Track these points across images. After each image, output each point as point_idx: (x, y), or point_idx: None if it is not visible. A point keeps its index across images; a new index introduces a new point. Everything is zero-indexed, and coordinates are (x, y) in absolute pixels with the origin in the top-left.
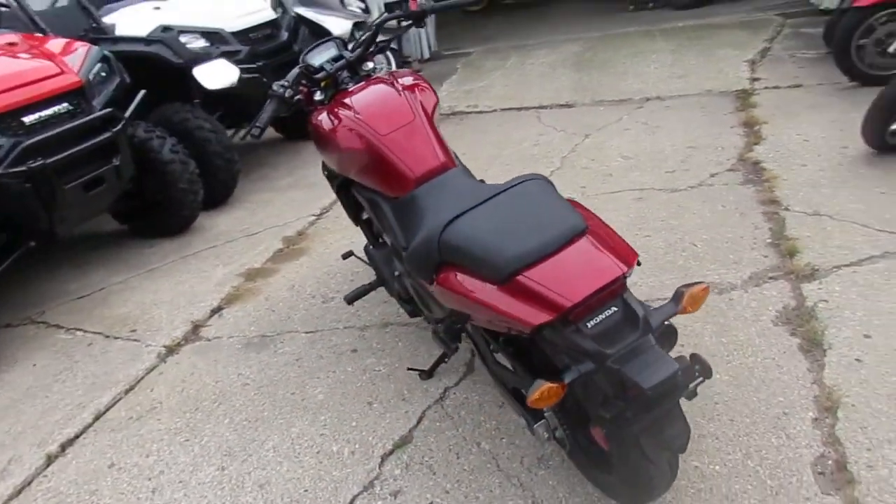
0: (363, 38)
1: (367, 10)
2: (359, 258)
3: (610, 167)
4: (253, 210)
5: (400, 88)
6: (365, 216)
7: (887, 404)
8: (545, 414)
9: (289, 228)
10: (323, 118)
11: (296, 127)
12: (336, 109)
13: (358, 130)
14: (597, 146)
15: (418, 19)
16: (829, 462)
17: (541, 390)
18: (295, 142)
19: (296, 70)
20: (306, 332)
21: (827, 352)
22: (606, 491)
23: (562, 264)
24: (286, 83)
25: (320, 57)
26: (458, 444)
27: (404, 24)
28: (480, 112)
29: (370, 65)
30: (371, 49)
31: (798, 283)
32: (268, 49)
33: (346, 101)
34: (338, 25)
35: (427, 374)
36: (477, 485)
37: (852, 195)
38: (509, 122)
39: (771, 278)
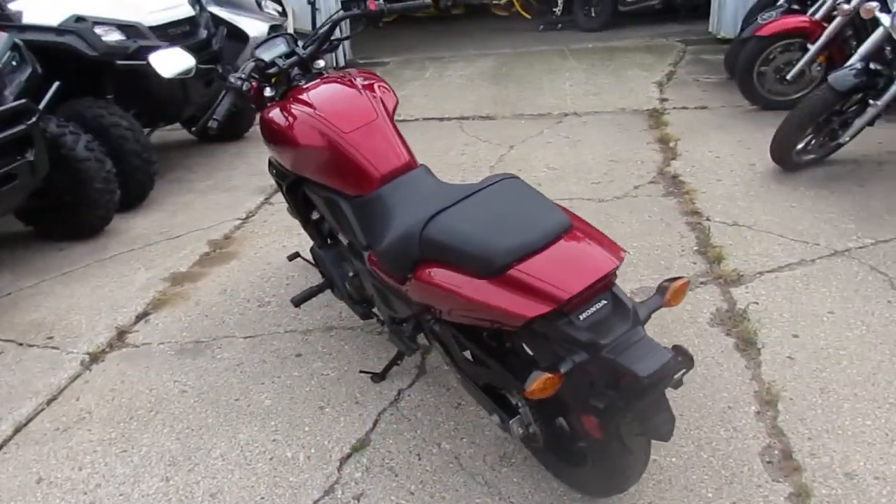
0: (317, 35)
1: (283, 14)
2: (305, 260)
3: (538, 177)
4: (172, 213)
5: (360, 87)
6: (315, 216)
7: (821, 397)
8: (519, 409)
9: (214, 232)
10: (276, 115)
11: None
12: (291, 106)
13: (319, 128)
14: (522, 157)
15: (376, 19)
16: (776, 451)
17: (540, 380)
18: (210, 143)
19: (251, 63)
20: (245, 338)
21: (761, 350)
22: (574, 485)
23: (554, 258)
24: (243, 76)
25: (271, 52)
26: (417, 446)
27: (361, 23)
28: (403, 121)
29: (321, 63)
30: (324, 47)
31: (727, 288)
32: (187, 46)
33: (303, 97)
34: (253, 27)
35: (380, 377)
36: (441, 485)
37: (765, 208)
38: (432, 132)
39: (702, 283)
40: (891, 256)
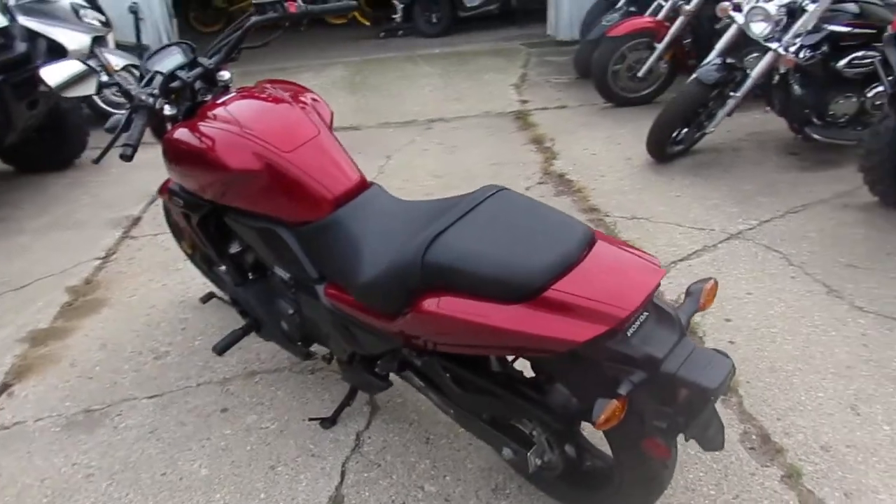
0: (225, 43)
1: (107, 24)
2: (222, 300)
3: (426, 186)
4: (7, 257)
5: (289, 99)
6: (235, 249)
7: (772, 377)
8: (534, 438)
9: (70, 277)
10: (187, 136)
11: (29, 156)
12: (207, 124)
13: (251, 148)
14: (403, 167)
15: (296, 23)
16: (754, 437)
17: (609, 408)
18: (34, 174)
19: (160, 77)
20: (149, 398)
21: (703, 338)
22: None
23: (593, 273)
24: (154, 91)
25: (166, 63)
26: (399, 494)
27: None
28: None
29: (226, 74)
30: (232, 56)
31: None
32: (3, 62)
33: (222, 114)
34: (73, 40)
35: (331, 422)
36: None
37: (655, 199)
38: None
39: None
40: (778, 235)
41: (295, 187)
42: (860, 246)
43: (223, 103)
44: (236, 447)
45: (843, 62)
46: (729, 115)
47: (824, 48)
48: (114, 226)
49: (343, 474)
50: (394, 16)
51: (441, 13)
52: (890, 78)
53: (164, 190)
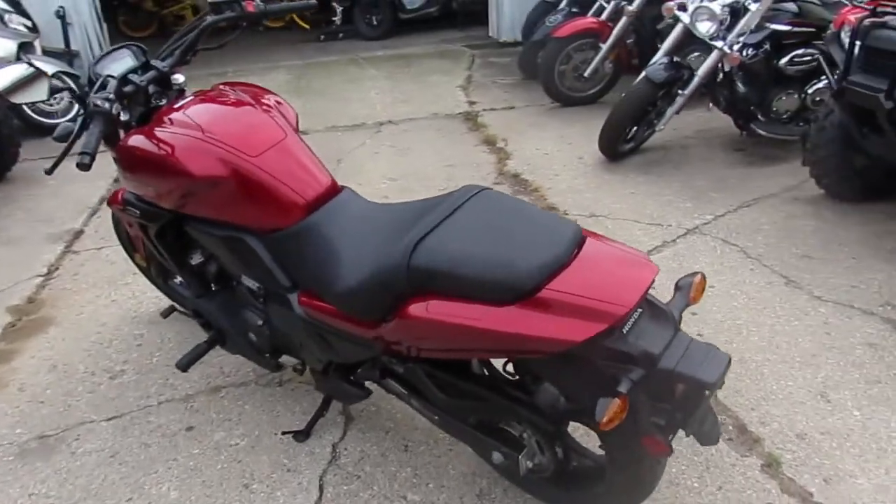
0: (179, 44)
1: (34, 29)
2: (183, 313)
3: (382, 189)
4: None
5: (251, 101)
6: (196, 260)
7: (742, 367)
8: (524, 441)
9: (10, 296)
10: (143, 143)
11: None
12: (165, 130)
13: (214, 153)
14: (357, 170)
15: (255, 23)
16: (731, 427)
17: (613, 407)
18: None
19: (114, 81)
20: (107, 420)
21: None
22: None
23: (587, 271)
24: (111, 96)
25: (117, 67)
26: None
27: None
28: None
29: (181, 78)
30: (187, 59)
31: None
32: None
33: (180, 118)
34: None
35: (304, 435)
36: None
37: (611, 197)
38: None
39: None
40: (733, 228)
41: (263, 193)
42: (812, 237)
43: (181, 107)
44: (206, 466)
45: (784, 60)
46: (677, 112)
47: (766, 47)
48: (54, 240)
49: (321, 488)
50: (333, 18)
51: (382, 16)
52: (835, 75)
53: (115, 200)
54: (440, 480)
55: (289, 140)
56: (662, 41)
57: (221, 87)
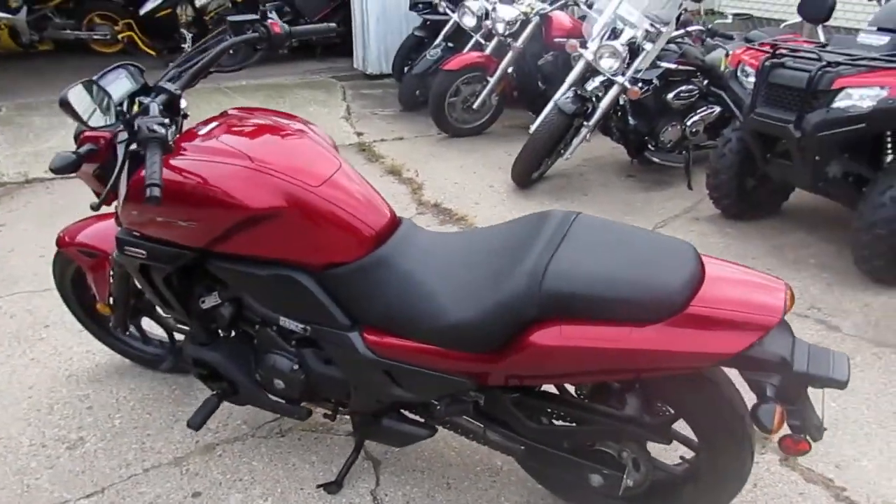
0: (189, 65)
1: None
2: (184, 364)
3: None
4: None
5: (293, 128)
6: (211, 304)
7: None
8: (623, 459)
9: None
10: (174, 174)
11: None
12: (200, 160)
13: (273, 184)
14: None
15: (278, 45)
16: None
17: (778, 414)
18: None
19: (156, 105)
20: (87, 497)
21: None
22: None
23: (722, 286)
24: (165, 121)
25: (115, 89)
26: None
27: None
28: (69, 178)
29: (184, 102)
30: (198, 79)
31: None
32: None
33: (217, 146)
34: None
35: (337, 485)
36: None
37: None
38: None
39: None
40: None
41: (327, 227)
42: (726, 252)
43: (208, 134)
44: None
45: (671, 95)
46: (582, 141)
47: (656, 82)
48: None
49: None
50: (182, 45)
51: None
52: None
53: (66, 243)
54: None
55: (345, 168)
56: (543, 76)
57: (236, 113)
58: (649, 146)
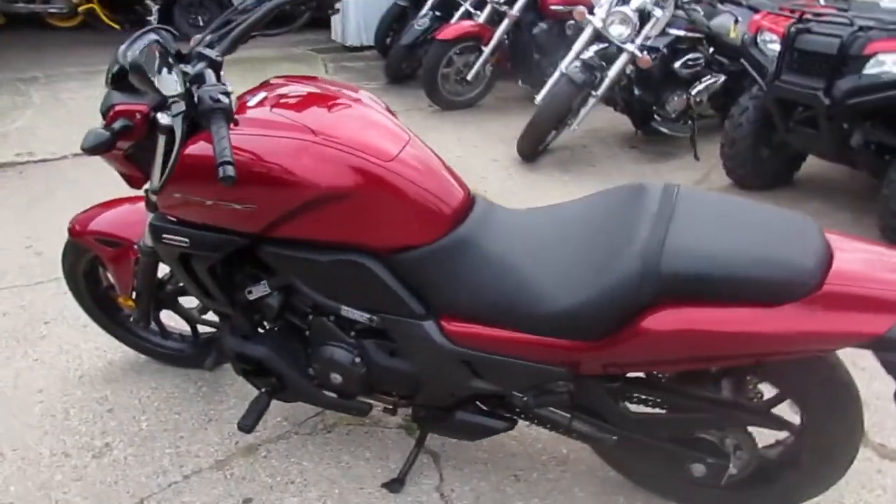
0: (228, 28)
1: None
2: (222, 360)
3: None
4: None
5: (352, 97)
6: (258, 294)
7: None
8: (725, 447)
9: None
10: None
11: None
12: (255, 135)
13: (342, 159)
14: None
15: (328, 6)
16: None
17: None
18: None
19: (211, 72)
20: None
21: None
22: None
23: (854, 261)
24: (228, 89)
25: (152, 57)
26: None
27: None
28: (43, 161)
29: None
30: (236, 47)
31: None
32: None
33: (272, 118)
34: None
35: (400, 483)
36: None
37: (550, 195)
38: (86, 174)
39: None
40: None
41: (401, 206)
42: None
43: (259, 105)
44: None
45: (678, 63)
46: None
47: (664, 50)
48: None
49: None
50: (148, 17)
51: (209, 16)
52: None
53: (81, 232)
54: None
55: (414, 140)
56: (537, 46)
57: (281, 79)
58: (655, 116)
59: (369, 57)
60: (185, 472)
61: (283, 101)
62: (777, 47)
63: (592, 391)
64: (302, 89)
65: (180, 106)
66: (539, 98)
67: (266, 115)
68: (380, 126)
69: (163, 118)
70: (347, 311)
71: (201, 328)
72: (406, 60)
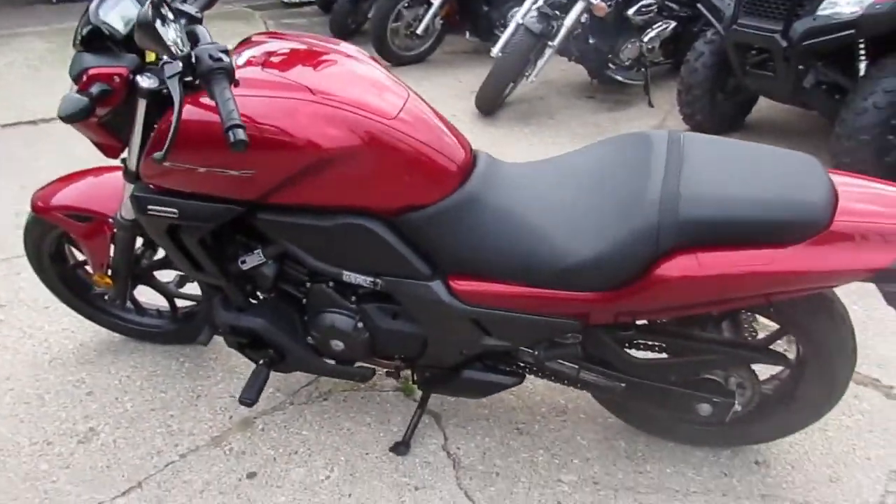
0: None
1: None
2: (217, 333)
3: None
4: None
5: (343, 51)
6: (252, 263)
7: None
8: (730, 385)
9: None
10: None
11: None
12: (248, 95)
13: (344, 119)
14: None
15: None
16: None
17: None
18: None
19: (204, 29)
20: (122, 495)
21: None
22: (778, 432)
23: (855, 198)
24: (226, 47)
25: (122, 13)
26: (542, 495)
27: None
28: None
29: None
30: (214, 2)
31: None
32: None
33: (265, 77)
34: None
35: (405, 446)
36: None
37: (515, 150)
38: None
39: None
40: None
41: (406, 165)
42: None
43: (249, 64)
44: None
45: (632, 10)
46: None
47: None
48: None
49: (468, 495)
50: None
51: None
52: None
53: (46, 208)
54: (581, 453)
55: (413, 97)
56: None
57: (263, 35)
58: (609, 65)
59: (310, 13)
60: (181, 451)
61: (273, 59)
62: None
63: (601, 341)
64: (290, 46)
65: (176, 66)
66: (495, 50)
67: (259, 76)
68: (378, 83)
69: (143, 81)
70: (349, 276)
71: (179, 302)
72: (351, 15)
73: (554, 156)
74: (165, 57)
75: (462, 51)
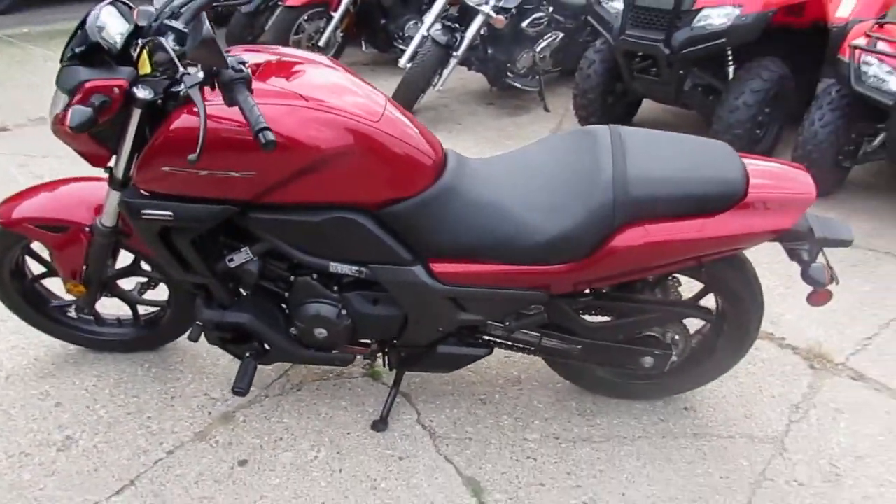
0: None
1: None
2: (206, 331)
3: None
4: None
5: (323, 62)
6: (240, 261)
7: None
8: (667, 338)
9: None
10: (223, 122)
11: None
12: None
13: (336, 122)
14: None
15: None
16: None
17: (826, 269)
18: None
19: (207, 36)
20: (116, 495)
21: None
22: (705, 379)
23: (761, 173)
24: (244, 57)
25: (113, 28)
26: (514, 453)
27: None
28: None
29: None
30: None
31: None
32: None
33: (258, 86)
34: None
35: (383, 423)
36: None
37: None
38: None
39: None
40: None
41: (392, 162)
42: None
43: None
44: (308, 490)
45: (525, 22)
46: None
47: (514, 11)
48: None
49: (448, 459)
50: None
51: None
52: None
53: (13, 220)
54: (539, 413)
55: (391, 101)
56: (383, 11)
57: (242, 49)
58: (508, 73)
59: None
60: (167, 448)
61: (261, 70)
62: (619, 5)
63: (561, 310)
64: (269, 58)
65: (197, 76)
66: (403, 61)
67: (254, 85)
68: (359, 88)
69: (140, 92)
70: (335, 267)
71: (141, 309)
72: (248, 28)
73: (511, 151)
74: (182, 68)
75: (361, 62)
